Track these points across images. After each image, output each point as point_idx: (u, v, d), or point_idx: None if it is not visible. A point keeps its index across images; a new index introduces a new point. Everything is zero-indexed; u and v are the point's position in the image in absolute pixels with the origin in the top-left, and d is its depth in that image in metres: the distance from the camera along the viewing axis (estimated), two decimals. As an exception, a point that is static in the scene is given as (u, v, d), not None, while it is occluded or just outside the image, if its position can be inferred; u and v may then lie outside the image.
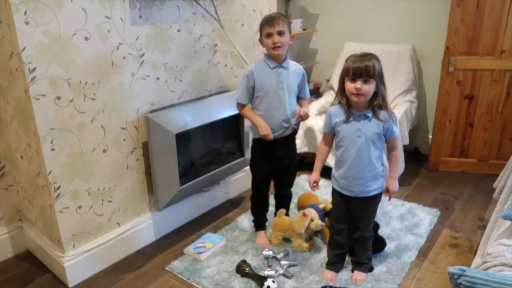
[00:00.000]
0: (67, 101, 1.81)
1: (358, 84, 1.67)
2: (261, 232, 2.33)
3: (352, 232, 1.95)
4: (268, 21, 1.96)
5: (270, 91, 2.05)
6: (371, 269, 2.02)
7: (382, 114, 1.75)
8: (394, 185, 1.87)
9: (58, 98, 1.77)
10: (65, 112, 1.81)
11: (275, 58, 2.04)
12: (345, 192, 1.87)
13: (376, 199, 1.88)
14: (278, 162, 2.20)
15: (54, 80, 1.74)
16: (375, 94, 1.72)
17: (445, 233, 2.37)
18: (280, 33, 1.96)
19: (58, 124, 1.80)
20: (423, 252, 2.19)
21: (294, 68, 2.12)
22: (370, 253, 1.99)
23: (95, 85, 1.89)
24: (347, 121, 1.77)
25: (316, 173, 1.98)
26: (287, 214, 2.33)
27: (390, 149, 1.84)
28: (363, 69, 1.66)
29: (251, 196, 2.32)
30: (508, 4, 2.74)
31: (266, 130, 2.05)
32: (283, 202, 2.39)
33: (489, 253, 1.54)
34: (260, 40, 2.05)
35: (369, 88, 1.68)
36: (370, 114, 1.75)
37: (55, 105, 1.77)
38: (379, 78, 1.70)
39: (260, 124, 2.06)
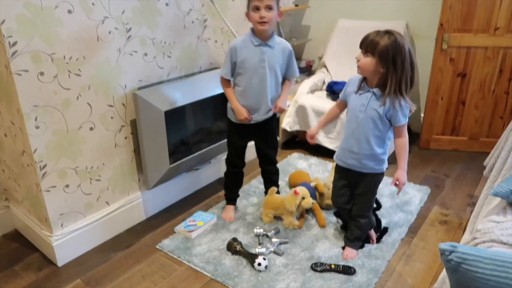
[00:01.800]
0: (51, 77, 1.74)
1: (358, 55, 1.69)
2: (230, 207, 2.34)
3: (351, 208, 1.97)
4: None
5: (250, 69, 1.99)
6: (362, 246, 2.03)
7: (391, 99, 1.67)
8: (403, 177, 1.77)
9: (41, 74, 1.71)
10: (49, 89, 1.75)
11: (260, 35, 1.96)
12: (339, 163, 1.90)
13: (371, 178, 1.86)
14: (256, 141, 2.21)
15: (37, 54, 1.67)
16: (387, 77, 1.64)
17: (435, 210, 2.39)
18: (268, 8, 1.88)
19: (42, 101, 1.74)
20: (413, 229, 2.20)
21: (280, 46, 2.03)
22: (362, 232, 1.99)
23: (80, 61, 1.83)
24: (356, 92, 1.77)
25: (316, 128, 2.02)
26: (278, 192, 2.32)
27: (395, 136, 1.80)
28: (369, 41, 1.64)
29: (226, 170, 2.30)
30: (504, -20, 2.69)
31: (243, 115, 2.03)
32: (270, 178, 2.36)
33: (478, 230, 1.55)
34: (247, 14, 1.97)
35: (367, 62, 1.65)
36: (378, 93, 1.70)
37: (38, 81, 1.70)
38: (387, 62, 1.61)
39: (237, 108, 2.04)
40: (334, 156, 1.94)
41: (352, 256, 1.96)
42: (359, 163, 1.82)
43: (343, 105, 1.91)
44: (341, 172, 1.92)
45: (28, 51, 1.64)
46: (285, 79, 2.12)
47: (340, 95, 1.91)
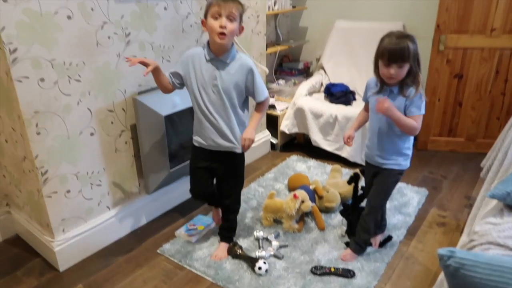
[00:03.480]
0: (51, 83, 1.75)
1: (392, 70, 1.67)
2: (215, 209, 2.23)
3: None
4: (219, 1, 1.63)
5: (200, 88, 1.75)
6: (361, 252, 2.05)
7: (409, 90, 1.72)
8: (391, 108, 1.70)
9: (42, 80, 1.71)
10: (49, 94, 1.75)
11: (215, 48, 1.70)
12: (368, 160, 1.95)
13: (391, 174, 1.86)
14: (217, 172, 1.94)
15: (37, 61, 1.68)
16: (408, 72, 1.70)
17: (433, 212, 2.41)
18: (230, 18, 1.64)
19: (43, 107, 1.74)
20: (412, 231, 2.22)
21: (238, 63, 1.74)
22: (369, 235, 1.99)
23: (80, 66, 1.83)
24: (377, 93, 1.80)
25: (351, 130, 2.00)
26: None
27: None
28: (398, 54, 1.64)
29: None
30: (500, -19, 2.71)
31: (136, 60, 1.68)
32: (223, 215, 2.08)
33: (476, 232, 1.57)
34: (203, 22, 1.71)
35: (402, 71, 1.68)
36: (395, 90, 1.74)
37: (39, 87, 1.71)
38: (414, 60, 1.67)
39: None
40: (364, 156, 1.99)
41: (350, 260, 1.98)
42: (385, 159, 1.85)
43: (368, 106, 1.95)
44: (369, 169, 1.97)
45: (28, 57, 1.65)
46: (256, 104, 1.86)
47: (363, 98, 1.97)
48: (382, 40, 1.71)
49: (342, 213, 2.20)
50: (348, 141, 2.00)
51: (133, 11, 2.00)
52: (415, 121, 1.73)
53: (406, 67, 1.68)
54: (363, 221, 1.96)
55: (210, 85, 1.75)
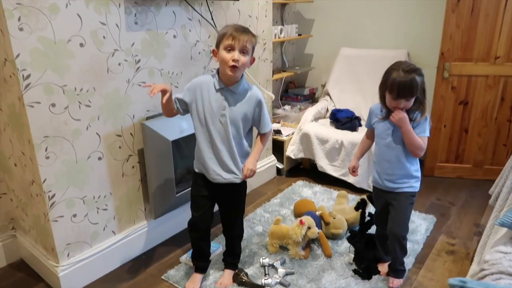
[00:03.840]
0: (62, 108, 1.78)
1: (401, 104, 1.71)
2: (196, 275, 1.98)
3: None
4: (234, 32, 1.61)
5: (207, 118, 1.71)
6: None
7: (415, 114, 1.77)
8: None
9: (53, 105, 1.75)
10: (60, 119, 1.78)
11: (226, 79, 1.68)
12: (376, 186, 1.94)
13: (406, 197, 1.86)
14: (219, 203, 1.94)
15: (49, 87, 1.72)
16: (415, 100, 1.74)
17: (442, 240, 2.37)
18: (244, 51, 1.63)
19: (53, 131, 1.77)
20: (420, 259, 2.19)
21: (248, 93, 1.73)
22: (404, 254, 1.97)
23: (90, 92, 1.87)
24: (383, 120, 1.83)
25: (354, 160, 2.05)
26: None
27: None
28: (408, 90, 1.68)
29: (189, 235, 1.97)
30: (503, 10, 2.76)
31: (160, 87, 1.65)
32: (227, 243, 2.05)
33: (486, 261, 1.54)
34: (215, 52, 1.70)
35: (410, 103, 1.72)
36: None
37: (49, 113, 1.74)
38: (421, 91, 1.72)
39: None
40: (372, 181, 1.98)
41: (397, 284, 1.95)
42: (394, 183, 1.86)
43: (371, 132, 1.98)
44: (378, 195, 1.96)
45: (40, 83, 1.69)
46: (258, 134, 1.84)
47: (366, 124, 2.00)
48: (389, 72, 1.72)
49: (350, 240, 2.18)
50: (353, 171, 2.05)
51: (144, 39, 2.05)
52: (423, 140, 1.77)
53: (413, 99, 1.73)
54: (393, 251, 1.94)
55: (218, 115, 1.71)
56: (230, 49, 1.62)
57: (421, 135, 1.77)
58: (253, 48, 1.68)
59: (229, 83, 1.70)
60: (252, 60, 1.72)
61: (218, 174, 1.78)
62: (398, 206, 1.88)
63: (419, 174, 1.88)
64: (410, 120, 1.75)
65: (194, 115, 1.77)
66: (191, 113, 1.79)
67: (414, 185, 1.87)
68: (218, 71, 1.72)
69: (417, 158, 1.86)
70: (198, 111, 1.74)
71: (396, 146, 1.81)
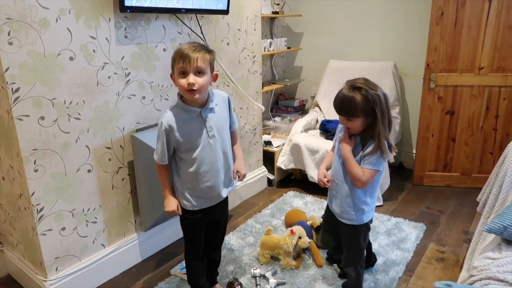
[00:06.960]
0: (51, 121, 1.78)
1: (342, 120, 1.64)
2: None
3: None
4: (184, 54, 1.48)
5: (199, 145, 1.60)
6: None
7: (368, 143, 1.63)
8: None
9: (42, 118, 1.75)
10: (49, 132, 1.79)
11: (193, 101, 1.57)
12: (328, 202, 1.88)
13: (350, 230, 1.75)
14: (211, 225, 1.83)
15: (38, 100, 1.72)
16: (367, 126, 1.62)
17: (432, 247, 2.39)
18: (199, 72, 1.50)
19: (42, 144, 1.77)
20: (410, 267, 2.20)
21: (219, 101, 1.68)
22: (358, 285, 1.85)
23: (80, 105, 1.88)
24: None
25: (321, 169, 1.83)
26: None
27: None
28: (344, 107, 1.59)
29: (187, 264, 1.85)
30: (485, 22, 2.84)
31: (171, 207, 1.67)
32: (210, 271, 1.93)
33: (475, 267, 1.56)
34: (172, 77, 1.58)
35: (353, 124, 1.61)
36: (358, 140, 1.68)
37: (38, 126, 1.74)
38: (370, 115, 1.58)
39: (169, 199, 1.68)
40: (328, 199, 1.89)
41: None
42: (340, 211, 1.75)
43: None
44: (327, 214, 1.90)
45: (30, 96, 1.69)
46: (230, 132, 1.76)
47: (333, 141, 1.85)
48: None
49: (330, 260, 2.19)
50: (325, 181, 1.78)
51: (133, 52, 2.07)
52: (363, 172, 1.62)
53: (357, 121, 1.60)
54: (348, 276, 1.83)
55: (206, 138, 1.61)
56: (183, 72, 1.51)
57: (365, 167, 1.61)
58: (211, 65, 1.55)
59: (202, 104, 1.61)
60: (215, 76, 1.60)
61: (221, 192, 1.72)
62: (347, 238, 1.80)
63: (366, 207, 1.71)
64: (363, 147, 1.64)
65: (179, 153, 1.64)
66: (175, 153, 1.67)
67: (356, 218, 1.71)
68: (182, 98, 1.60)
69: (369, 190, 1.70)
70: (186, 146, 1.61)
71: (345, 168, 1.69)
